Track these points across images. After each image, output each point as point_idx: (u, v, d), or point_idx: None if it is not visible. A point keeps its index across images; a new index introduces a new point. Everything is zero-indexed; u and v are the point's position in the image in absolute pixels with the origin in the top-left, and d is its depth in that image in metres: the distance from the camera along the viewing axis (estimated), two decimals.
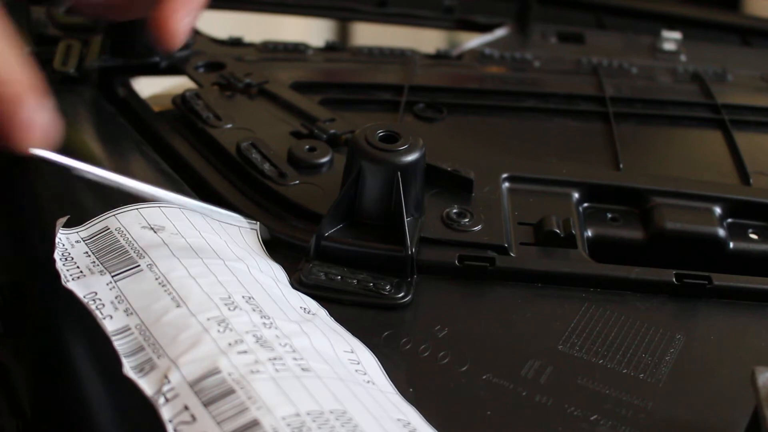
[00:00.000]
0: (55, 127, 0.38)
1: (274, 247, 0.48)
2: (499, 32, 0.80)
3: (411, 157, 0.46)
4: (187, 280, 0.41)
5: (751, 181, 0.58)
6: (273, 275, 0.45)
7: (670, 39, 0.78)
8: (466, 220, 0.50)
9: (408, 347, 0.43)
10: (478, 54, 0.74)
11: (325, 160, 0.53)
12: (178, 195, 0.46)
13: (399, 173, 0.46)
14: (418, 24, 0.84)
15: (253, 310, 0.40)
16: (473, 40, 0.80)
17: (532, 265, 0.48)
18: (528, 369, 0.42)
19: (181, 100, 0.59)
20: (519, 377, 0.42)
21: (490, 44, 0.78)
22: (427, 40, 0.89)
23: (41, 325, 0.37)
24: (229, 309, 0.40)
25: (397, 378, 0.41)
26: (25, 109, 0.36)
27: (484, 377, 0.41)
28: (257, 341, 0.38)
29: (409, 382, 0.41)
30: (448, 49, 0.75)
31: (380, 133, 0.47)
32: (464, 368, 0.42)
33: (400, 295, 0.45)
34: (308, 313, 0.43)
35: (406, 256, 0.46)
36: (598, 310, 0.46)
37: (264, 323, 0.40)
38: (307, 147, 0.54)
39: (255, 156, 0.53)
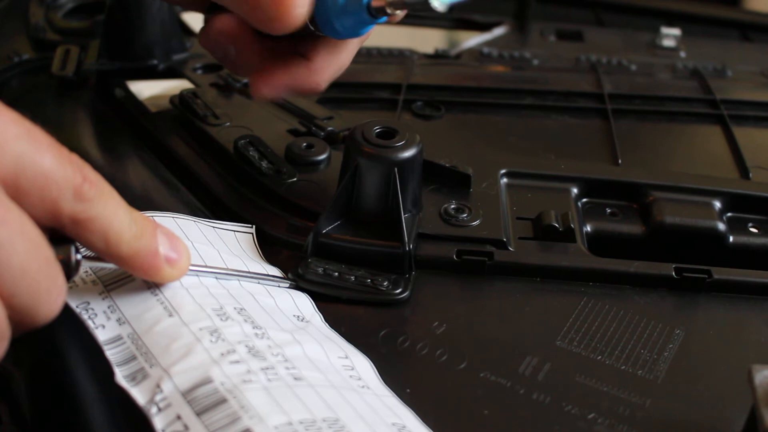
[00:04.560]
0: (188, 256, 0.41)
1: (272, 245, 0.48)
2: (498, 31, 0.80)
3: (408, 153, 0.46)
4: (180, 290, 0.41)
5: (751, 175, 0.58)
6: (266, 282, 0.45)
7: (670, 35, 0.78)
8: (464, 215, 0.50)
9: (406, 345, 0.43)
10: (476, 53, 0.74)
11: (322, 157, 0.53)
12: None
13: (396, 169, 0.46)
14: (416, 23, 0.83)
15: (245, 320, 0.40)
16: (472, 39, 0.80)
17: (530, 259, 0.48)
18: (526, 366, 0.42)
19: (179, 99, 0.59)
20: (517, 375, 0.41)
21: (489, 43, 0.78)
22: (426, 39, 0.89)
23: (39, 333, 0.37)
24: (221, 319, 0.40)
25: (395, 378, 0.40)
26: (162, 273, 0.40)
27: (481, 375, 0.41)
28: (249, 351, 0.38)
29: (407, 382, 0.41)
30: (447, 48, 0.75)
31: (377, 129, 0.47)
32: (462, 366, 0.42)
33: (398, 291, 0.45)
34: (301, 320, 0.43)
35: (404, 252, 0.46)
36: (597, 304, 0.46)
37: (256, 333, 0.40)
38: (304, 144, 0.54)
39: (252, 153, 0.53)
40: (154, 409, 0.35)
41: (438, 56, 0.73)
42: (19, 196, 0.34)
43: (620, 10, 0.87)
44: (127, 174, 0.57)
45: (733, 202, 0.53)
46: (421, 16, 0.83)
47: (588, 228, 0.52)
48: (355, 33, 0.45)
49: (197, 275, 0.42)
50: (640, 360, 0.43)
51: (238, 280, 0.44)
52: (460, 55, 0.74)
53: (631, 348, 0.43)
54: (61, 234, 0.36)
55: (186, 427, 0.35)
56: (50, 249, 0.35)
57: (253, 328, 0.40)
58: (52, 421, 0.38)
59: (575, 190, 0.54)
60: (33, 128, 0.35)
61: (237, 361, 0.37)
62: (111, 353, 0.38)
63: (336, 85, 0.65)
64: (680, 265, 0.48)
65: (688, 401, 0.41)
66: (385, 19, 0.44)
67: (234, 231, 0.49)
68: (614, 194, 0.54)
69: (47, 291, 0.35)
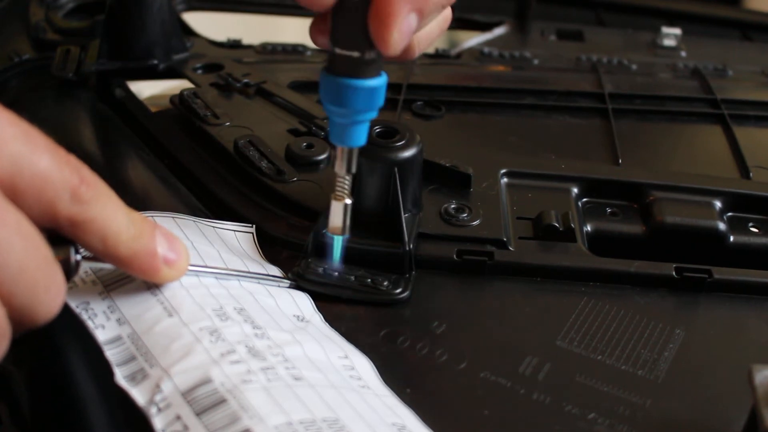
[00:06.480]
0: (187, 256, 0.41)
1: (272, 245, 0.48)
2: (499, 30, 0.80)
3: (408, 153, 0.46)
4: (179, 290, 0.41)
5: (751, 174, 0.58)
6: (266, 282, 0.45)
7: (670, 35, 0.78)
8: (465, 215, 0.50)
9: (406, 345, 0.43)
10: (477, 52, 0.74)
11: (322, 156, 0.53)
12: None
13: (396, 169, 0.46)
14: None
15: (245, 321, 0.40)
16: (472, 39, 0.80)
17: (530, 259, 0.48)
18: (526, 366, 0.42)
19: (179, 99, 0.59)
20: (517, 375, 0.41)
21: (489, 43, 0.78)
22: None
23: (39, 333, 0.37)
24: (221, 319, 0.40)
25: (395, 378, 0.40)
26: (161, 274, 0.40)
27: (481, 375, 0.41)
28: (249, 351, 0.38)
29: (407, 382, 0.41)
30: (447, 48, 0.75)
31: (377, 129, 0.47)
32: (462, 366, 0.42)
33: (398, 290, 0.45)
34: (301, 320, 0.43)
35: (404, 252, 0.46)
36: (598, 304, 0.46)
37: (256, 333, 0.40)
38: (304, 144, 0.54)
39: (252, 153, 0.53)
40: (153, 410, 0.35)
41: (438, 56, 0.73)
42: (16, 197, 0.34)
43: (621, 9, 0.87)
44: (127, 174, 0.57)
45: (734, 201, 0.53)
46: None
47: (588, 228, 0.52)
48: None
49: (197, 275, 0.42)
50: (640, 360, 0.43)
51: (238, 279, 0.44)
52: (460, 55, 0.74)
53: (632, 348, 0.43)
54: (61, 235, 0.36)
55: (186, 427, 0.34)
56: (48, 248, 0.35)
57: (253, 328, 0.40)
58: (52, 421, 0.38)
59: (575, 190, 0.54)
60: (30, 129, 0.35)
61: (237, 361, 0.37)
62: (111, 353, 0.38)
63: None
64: (681, 264, 0.48)
65: (688, 401, 0.41)
66: None
67: (234, 231, 0.49)
68: (614, 194, 0.54)
69: (46, 289, 0.35)
